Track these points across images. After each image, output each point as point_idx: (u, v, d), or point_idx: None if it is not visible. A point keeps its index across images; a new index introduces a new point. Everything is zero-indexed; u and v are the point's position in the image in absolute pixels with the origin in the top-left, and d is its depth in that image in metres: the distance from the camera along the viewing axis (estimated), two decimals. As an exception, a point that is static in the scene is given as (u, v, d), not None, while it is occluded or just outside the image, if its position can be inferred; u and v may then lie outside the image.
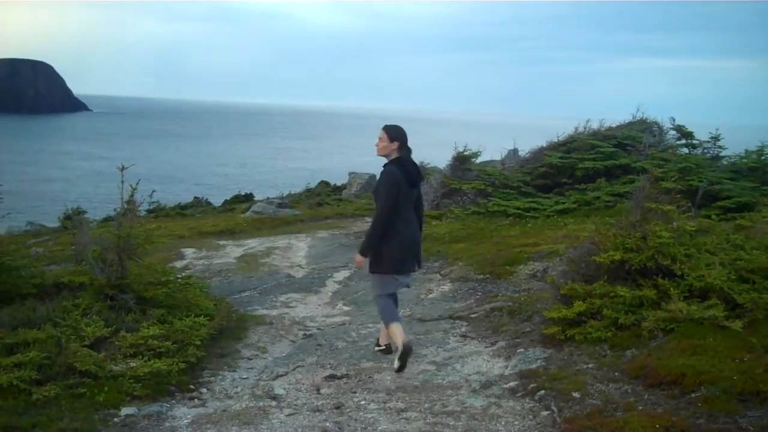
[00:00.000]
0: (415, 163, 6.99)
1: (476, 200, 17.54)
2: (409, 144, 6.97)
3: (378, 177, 7.04)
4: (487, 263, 11.21)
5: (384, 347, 7.53)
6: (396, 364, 6.77)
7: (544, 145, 20.11)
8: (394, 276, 6.96)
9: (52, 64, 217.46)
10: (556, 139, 20.15)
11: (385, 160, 6.94)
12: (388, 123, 7.05)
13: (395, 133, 6.86)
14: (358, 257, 6.93)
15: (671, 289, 6.80)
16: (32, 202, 46.60)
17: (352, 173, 31.14)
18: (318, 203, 26.80)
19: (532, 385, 6.05)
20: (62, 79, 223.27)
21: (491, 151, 21.33)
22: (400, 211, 6.75)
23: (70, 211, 22.21)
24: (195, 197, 38.23)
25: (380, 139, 6.89)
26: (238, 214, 24.19)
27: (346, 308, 10.21)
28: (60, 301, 7.55)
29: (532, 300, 8.78)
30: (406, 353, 6.70)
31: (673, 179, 13.30)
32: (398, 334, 6.77)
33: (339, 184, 34.45)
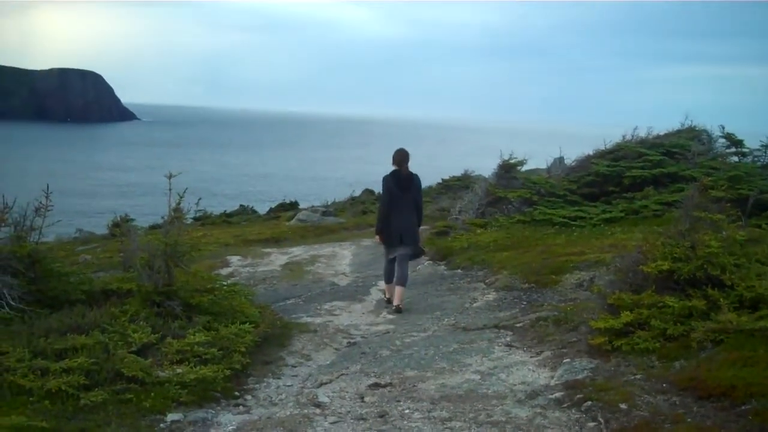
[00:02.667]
0: (408, 175, 10.49)
1: (521, 209, 17.43)
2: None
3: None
4: (533, 272, 11.13)
5: (388, 299, 10.87)
6: (392, 306, 10.45)
7: (591, 153, 19.95)
8: (386, 246, 10.76)
9: (102, 74, 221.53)
10: (603, 147, 19.98)
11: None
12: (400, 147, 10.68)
13: (394, 156, 10.53)
14: (376, 237, 10.97)
15: (721, 299, 6.68)
16: (81, 211, 47.48)
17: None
18: (362, 211, 26.91)
19: (578, 396, 5.97)
20: (111, 88, 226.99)
21: (537, 159, 21.22)
22: (392, 206, 10.45)
23: (119, 219, 22.56)
24: (240, 205, 38.64)
25: (401, 158, 10.53)
26: (283, 222, 24.39)
27: (390, 316, 10.21)
28: (108, 307, 7.66)
29: (578, 310, 8.68)
30: (389, 302, 10.73)
31: (722, 188, 13.08)
32: (387, 289, 10.99)
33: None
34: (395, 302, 10.41)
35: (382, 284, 12.34)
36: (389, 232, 10.53)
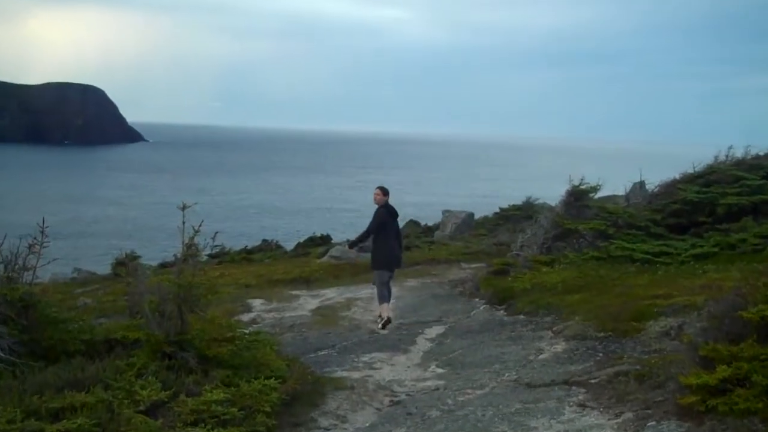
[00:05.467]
0: (393, 207, 13.79)
1: (595, 243, 17.31)
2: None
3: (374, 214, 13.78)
4: (610, 318, 11.03)
5: (381, 320, 13.20)
6: (379, 326, 13.04)
7: (677, 177, 19.80)
8: (383, 271, 13.54)
9: (104, 89, 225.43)
10: (691, 170, 19.81)
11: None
12: (381, 184, 14.08)
13: (384, 191, 13.75)
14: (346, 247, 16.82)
15: (838, 351, 6.57)
16: (78, 245, 48.14)
17: (446, 211, 31.22)
18: (406, 246, 26.94)
19: (666, 467, 5.91)
20: (115, 105, 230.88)
21: (613, 184, 21.11)
22: (385, 234, 13.58)
23: (123, 256, 22.82)
24: (263, 240, 38.92)
25: (376, 194, 13.83)
26: (314, 260, 24.49)
27: (440, 370, 10.18)
28: (112, 359, 7.75)
29: (665, 363, 8.58)
30: (387, 321, 13.09)
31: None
32: (384, 310, 13.29)
33: (430, 224, 34.53)
34: (391, 315, 13.39)
35: (429, 332, 12.37)
36: (384, 257, 13.66)
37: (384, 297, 13.43)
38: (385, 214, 13.60)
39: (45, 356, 7.88)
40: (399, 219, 14.41)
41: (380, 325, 13.06)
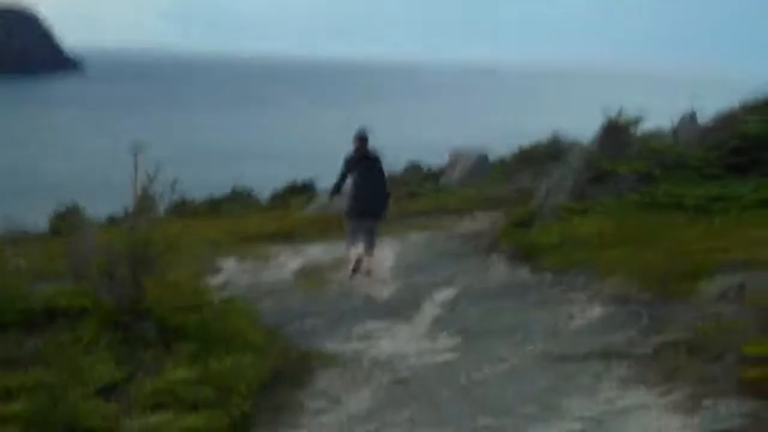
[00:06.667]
0: (369, 151, 14.76)
1: (638, 187, 17.28)
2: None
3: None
4: (656, 277, 11.05)
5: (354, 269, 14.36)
6: (349, 273, 14.28)
7: (737, 106, 19.72)
8: (349, 221, 14.78)
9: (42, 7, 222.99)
10: (754, 98, 19.73)
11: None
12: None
13: (357, 138, 14.78)
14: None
15: None
16: (4, 197, 47.99)
17: (455, 151, 31.10)
18: (408, 194, 26.89)
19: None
20: (46, 29, 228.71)
21: (658, 116, 21.02)
22: (355, 180, 14.66)
23: (64, 210, 22.72)
24: (233, 187, 38.70)
25: (353, 140, 14.86)
26: (295, 211, 24.48)
27: (451, 342, 10.20)
28: (54, 332, 7.75)
29: (724, 330, 8.61)
30: (354, 269, 14.24)
31: None
32: (352, 255, 14.38)
33: (435, 167, 34.43)
34: (365, 263, 14.46)
35: (438, 296, 12.39)
36: (354, 205, 14.78)
37: (350, 242, 14.65)
38: (354, 158, 14.80)
39: (-28, 329, 7.88)
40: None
41: (349, 275, 14.30)
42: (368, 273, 14.37)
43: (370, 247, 14.57)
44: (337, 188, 15.25)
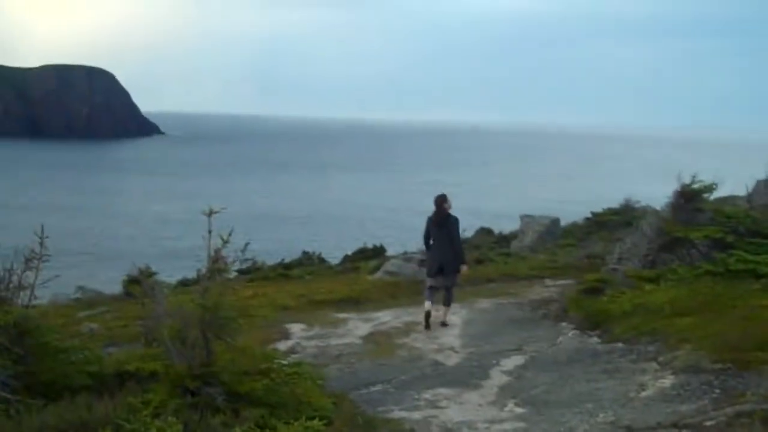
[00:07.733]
0: (440, 215, 16.11)
1: (710, 255, 17.13)
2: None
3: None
4: (729, 347, 10.93)
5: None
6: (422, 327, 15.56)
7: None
8: (428, 278, 16.30)
9: (114, 72, 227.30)
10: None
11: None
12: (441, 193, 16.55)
13: (435, 200, 16.26)
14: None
15: None
16: (83, 261, 48.66)
17: (526, 216, 31.05)
18: (477, 260, 26.86)
19: None
20: (126, 92, 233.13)
21: (732, 182, 20.85)
22: (432, 243, 16.28)
23: (137, 272, 22.99)
24: (304, 252, 38.95)
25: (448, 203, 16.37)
26: (364, 276, 24.52)
27: (519, 410, 10.15)
28: (124, 396, 7.81)
29: (799, 402, 8.49)
30: (427, 316, 15.51)
31: None
32: (426, 306, 15.74)
33: (506, 232, 34.40)
34: (438, 314, 15.82)
35: (506, 364, 12.35)
36: (430, 265, 16.47)
37: (426, 298, 16.04)
38: (428, 222, 16.49)
39: (44, 392, 7.94)
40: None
41: (423, 327, 15.54)
42: (444, 325, 15.63)
43: (447, 302, 16.07)
44: (426, 245, 16.64)
